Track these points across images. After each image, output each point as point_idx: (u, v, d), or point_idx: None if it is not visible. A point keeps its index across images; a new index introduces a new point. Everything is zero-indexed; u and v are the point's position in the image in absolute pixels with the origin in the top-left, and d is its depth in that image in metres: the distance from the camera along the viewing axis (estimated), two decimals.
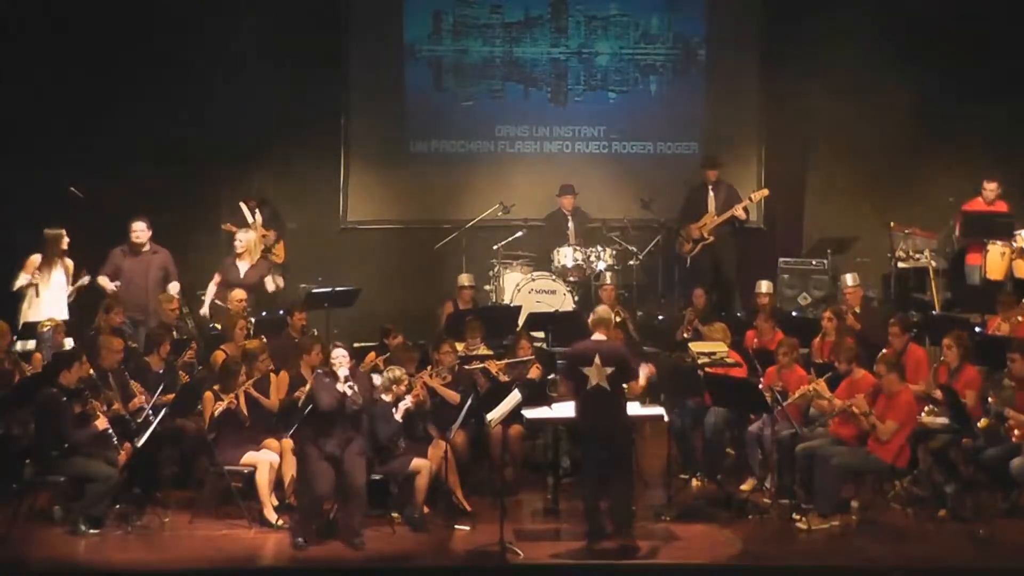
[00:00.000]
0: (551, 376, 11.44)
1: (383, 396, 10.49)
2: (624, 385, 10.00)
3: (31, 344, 11.87)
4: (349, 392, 10.14)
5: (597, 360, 9.81)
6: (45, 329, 11.84)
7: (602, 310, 10.46)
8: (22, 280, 12.49)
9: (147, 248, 13.06)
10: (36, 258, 12.58)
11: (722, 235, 14.79)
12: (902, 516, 10.57)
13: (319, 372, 10.42)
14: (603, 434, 9.91)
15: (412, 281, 15.10)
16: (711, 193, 14.85)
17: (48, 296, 12.55)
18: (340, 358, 10.25)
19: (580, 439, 10.37)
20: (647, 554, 9.80)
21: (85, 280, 12.74)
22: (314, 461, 10.07)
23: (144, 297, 12.87)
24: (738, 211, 14.72)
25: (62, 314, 12.43)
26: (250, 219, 14.23)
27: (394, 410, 10.45)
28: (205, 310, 13.20)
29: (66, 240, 12.68)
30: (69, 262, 12.73)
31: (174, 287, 12.92)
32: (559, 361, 11.14)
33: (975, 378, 10.93)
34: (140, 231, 13.00)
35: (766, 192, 15.00)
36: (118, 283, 12.85)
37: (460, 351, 11.63)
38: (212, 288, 13.23)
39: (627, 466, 10.13)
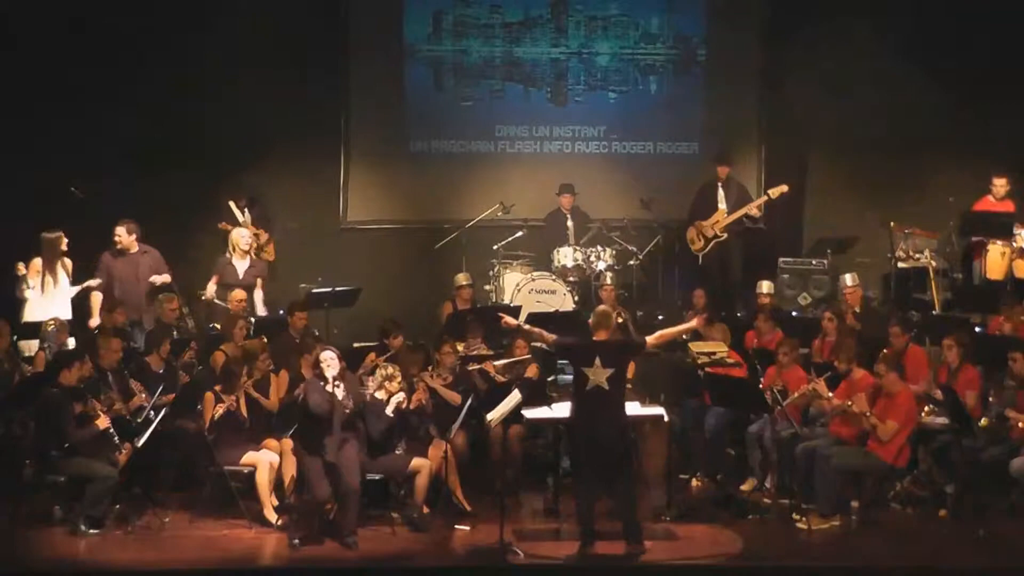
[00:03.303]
0: (551, 377, 11.45)
1: (376, 393, 10.49)
2: (627, 380, 9.88)
3: (34, 344, 11.90)
4: (339, 394, 10.06)
5: (598, 361, 9.76)
6: (49, 328, 11.88)
7: (602, 309, 10.35)
8: (28, 286, 12.55)
9: (135, 249, 13.07)
10: (37, 262, 12.63)
11: (732, 234, 14.77)
12: (902, 516, 10.58)
13: (311, 377, 10.38)
14: (601, 436, 9.79)
15: (412, 281, 15.08)
16: (722, 191, 14.81)
17: (51, 298, 12.58)
18: (329, 360, 10.16)
19: (575, 440, 10.19)
20: (647, 554, 9.78)
21: (93, 283, 12.86)
22: (312, 469, 10.06)
23: (137, 298, 12.91)
24: (752, 209, 14.66)
25: (65, 315, 12.47)
26: (240, 218, 14.23)
27: (386, 407, 10.46)
28: (210, 294, 13.15)
29: (65, 241, 12.72)
30: (68, 262, 12.78)
31: (160, 279, 12.95)
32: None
33: (975, 378, 10.93)
34: (121, 235, 13.02)
35: (785, 188, 14.73)
36: (99, 280, 12.92)
37: (460, 351, 11.63)
38: (212, 287, 13.25)
39: (629, 474, 9.98)
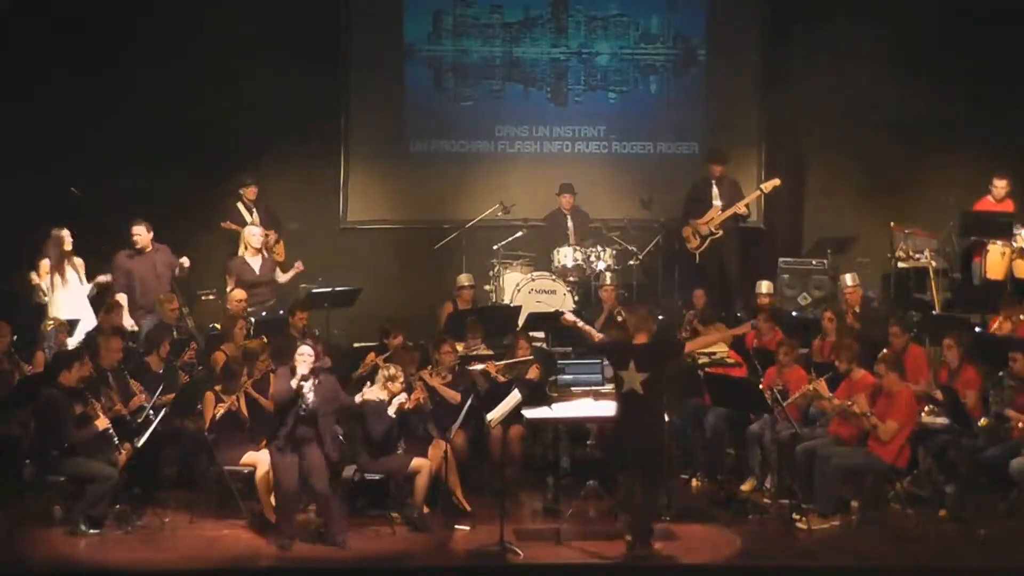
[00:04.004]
0: (551, 377, 11.45)
1: (379, 394, 10.48)
2: (661, 381, 9.88)
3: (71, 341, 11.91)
4: (305, 391, 9.92)
5: (632, 365, 9.77)
6: (49, 328, 11.86)
7: (641, 313, 10.31)
8: (42, 291, 12.56)
9: (149, 248, 13.13)
10: (45, 263, 12.63)
11: (728, 231, 14.76)
12: (902, 516, 10.57)
13: (284, 366, 10.26)
14: (629, 439, 9.81)
15: (412, 281, 15.09)
16: (715, 188, 14.80)
17: (64, 296, 12.59)
18: (305, 355, 10.04)
19: (613, 440, 10.29)
20: (647, 554, 9.79)
21: (103, 279, 12.87)
22: (276, 457, 10.04)
23: (160, 293, 12.92)
24: (740, 208, 14.66)
25: (77, 313, 12.49)
26: (248, 218, 14.24)
27: (388, 407, 10.45)
28: (235, 302, 13.06)
29: (70, 239, 12.72)
30: (78, 260, 12.79)
31: (186, 261, 13.09)
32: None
33: (975, 378, 10.92)
34: (140, 233, 13.08)
35: (778, 182, 14.76)
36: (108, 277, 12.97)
37: (460, 351, 11.63)
38: (239, 292, 13.14)
39: (655, 479, 9.97)
